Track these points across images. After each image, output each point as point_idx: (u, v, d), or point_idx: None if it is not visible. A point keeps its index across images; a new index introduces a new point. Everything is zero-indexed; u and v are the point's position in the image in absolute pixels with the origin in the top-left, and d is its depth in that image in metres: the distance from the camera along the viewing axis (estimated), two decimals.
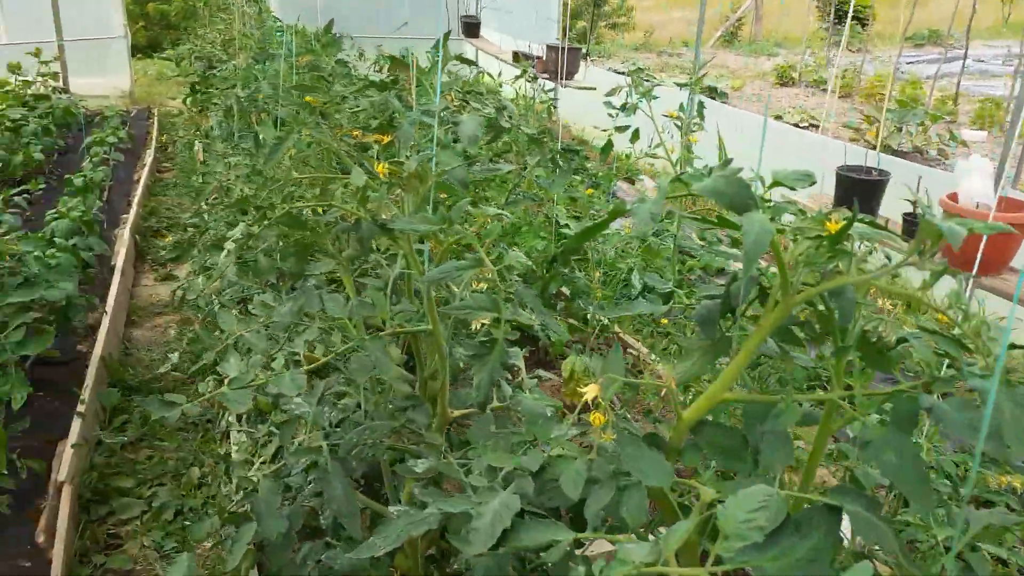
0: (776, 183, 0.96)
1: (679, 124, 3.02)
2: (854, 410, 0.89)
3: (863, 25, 18.49)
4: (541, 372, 1.78)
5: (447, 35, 2.00)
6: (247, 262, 2.15)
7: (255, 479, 1.55)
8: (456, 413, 1.52)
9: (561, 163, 1.91)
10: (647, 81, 3.17)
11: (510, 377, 1.62)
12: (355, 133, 1.89)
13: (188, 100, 9.13)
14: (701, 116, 2.94)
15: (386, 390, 1.56)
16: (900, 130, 8.28)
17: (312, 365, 1.42)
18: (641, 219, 0.94)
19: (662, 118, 3.11)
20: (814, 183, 0.99)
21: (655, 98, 3.05)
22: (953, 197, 3.43)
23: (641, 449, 0.95)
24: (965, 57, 10.82)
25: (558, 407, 1.41)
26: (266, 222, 1.47)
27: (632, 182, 7.75)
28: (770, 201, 0.97)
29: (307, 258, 1.74)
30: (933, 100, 10.38)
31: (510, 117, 2.09)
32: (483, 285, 1.45)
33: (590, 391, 1.03)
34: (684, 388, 2.50)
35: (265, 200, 1.64)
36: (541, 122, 4.39)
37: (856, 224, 1.09)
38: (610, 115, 3.09)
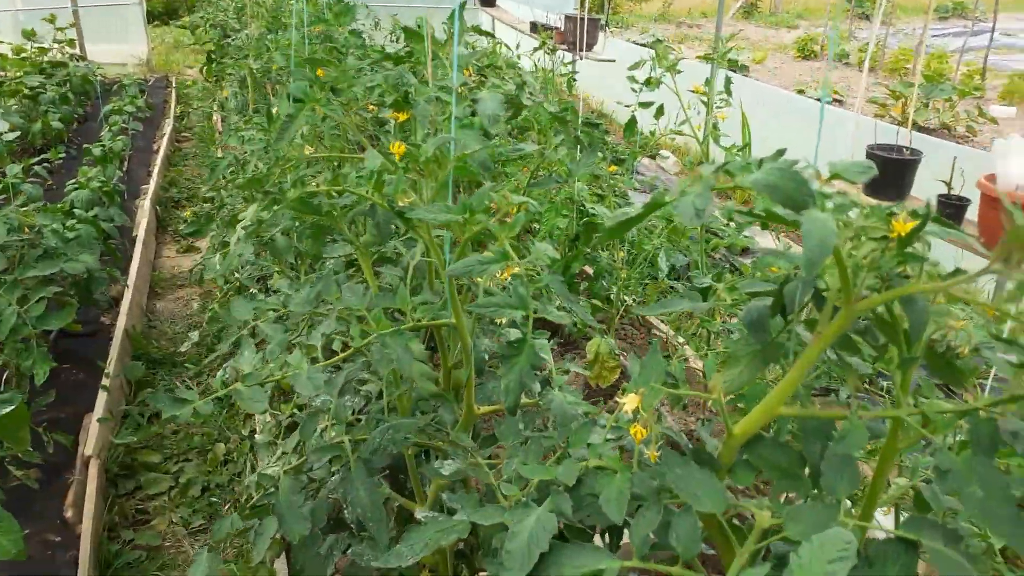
0: (835, 175, 0.87)
1: (705, 100, 2.90)
2: (923, 429, 0.81)
3: None
4: (569, 366, 1.70)
5: (463, 4, 1.90)
6: (265, 241, 2.08)
7: (276, 476, 1.49)
8: (483, 410, 1.45)
9: (585, 141, 1.81)
10: (671, 54, 3.05)
11: (538, 372, 1.54)
12: (371, 108, 1.81)
13: (204, 70, 9.02)
14: (728, 92, 2.82)
15: (408, 381, 1.50)
16: (927, 106, 8.07)
17: (330, 360, 1.35)
18: (686, 215, 0.86)
19: (687, 93, 3.00)
20: (875, 175, 0.90)
21: (679, 72, 2.93)
22: (991, 179, 3.31)
23: (690, 468, 0.87)
24: (993, 30, 10.53)
25: (591, 411, 1.34)
26: (276, 208, 1.39)
27: (654, 157, 7.61)
28: (828, 196, 0.87)
29: (324, 240, 1.67)
30: (960, 75, 10.12)
31: (531, 94, 2.00)
32: (509, 275, 1.37)
33: (629, 402, 0.95)
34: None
35: (275, 182, 1.56)
36: (561, 97, 4.27)
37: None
38: (633, 90, 2.98)
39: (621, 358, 3.76)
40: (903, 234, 0.82)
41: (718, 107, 2.98)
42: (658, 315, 4.09)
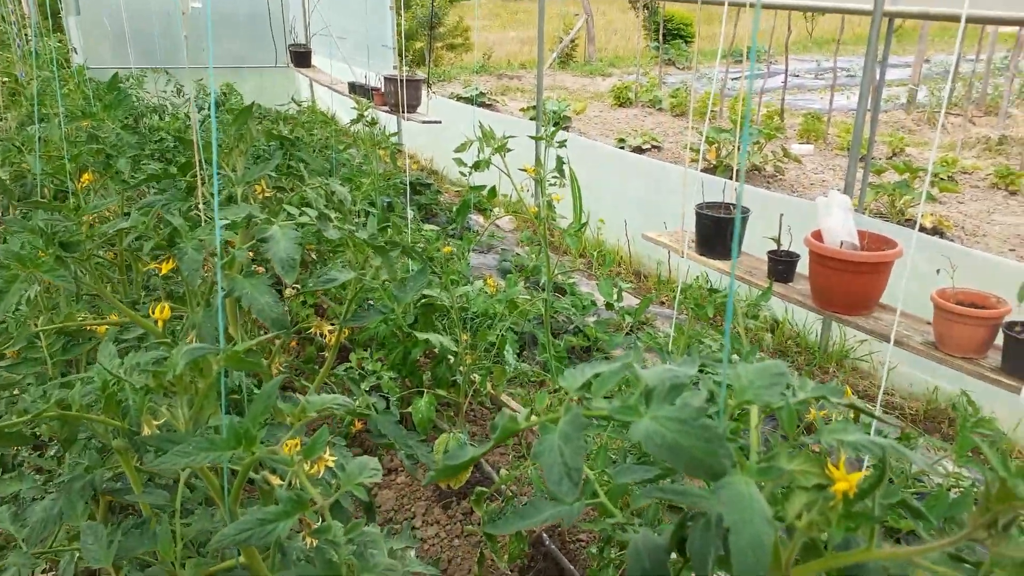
0: (746, 402, 0.63)
1: (537, 179, 2.73)
2: None
3: (686, 42, 19.42)
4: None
5: (246, 109, 1.57)
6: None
7: None
8: None
9: (415, 263, 1.54)
10: (498, 134, 2.86)
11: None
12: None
13: None
14: (561, 172, 2.66)
15: None
16: (737, 149, 8.54)
17: None
18: (553, 480, 0.59)
19: (519, 172, 2.82)
20: (790, 387, 0.68)
21: (510, 151, 2.74)
22: (817, 235, 3.38)
23: None
24: (786, 73, 11.45)
25: None
26: None
27: (484, 214, 7.49)
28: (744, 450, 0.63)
29: (75, 429, 1.27)
30: (762, 116, 10.88)
31: (340, 213, 1.69)
32: (322, 468, 1.05)
33: None
34: None
35: None
36: (386, 171, 4.00)
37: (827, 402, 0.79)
38: (462, 173, 2.75)
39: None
40: (849, 491, 0.59)
41: (551, 184, 2.81)
42: (500, 385, 3.86)
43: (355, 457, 1.31)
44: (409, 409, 3.34)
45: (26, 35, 5.11)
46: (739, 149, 4.39)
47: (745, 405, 0.63)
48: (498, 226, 7.49)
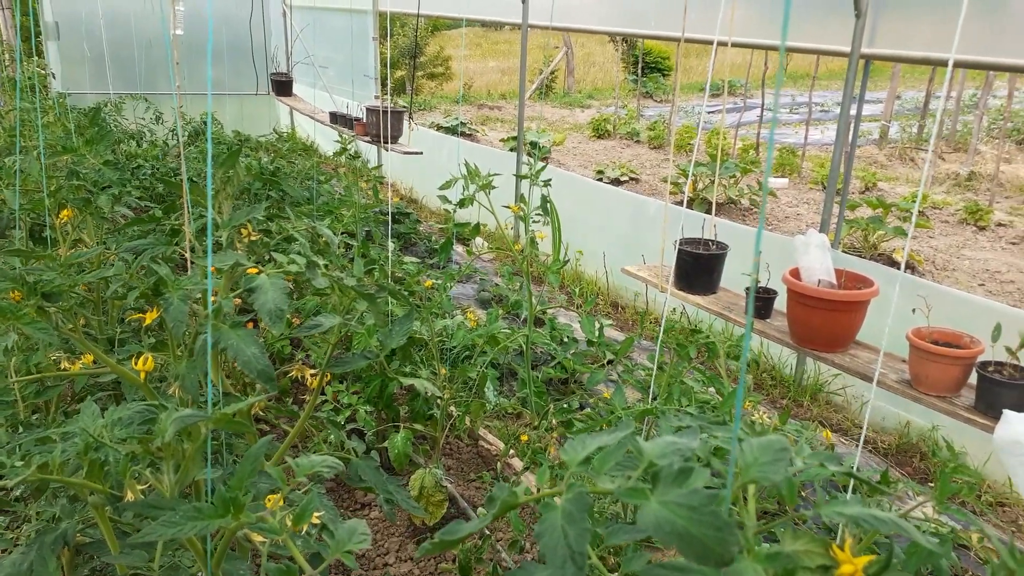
0: (751, 481, 0.63)
1: (521, 217, 2.74)
2: None
3: (664, 75, 19.74)
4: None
5: (237, 150, 1.57)
6: None
7: None
8: None
9: (399, 306, 1.53)
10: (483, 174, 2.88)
11: None
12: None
13: None
14: (545, 211, 2.67)
15: None
16: (713, 182, 8.66)
17: None
18: (556, 563, 0.58)
19: (503, 209, 2.83)
20: (792, 466, 0.68)
21: (494, 188, 2.75)
22: (795, 273, 3.41)
23: None
24: (763, 108, 11.65)
25: None
26: None
27: (466, 243, 7.49)
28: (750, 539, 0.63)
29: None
30: (738, 149, 11.05)
31: (328, 248, 1.68)
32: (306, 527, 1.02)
33: None
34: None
35: None
36: (367, 201, 3.98)
37: (814, 459, 0.79)
38: (446, 210, 2.75)
39: (448, 486, 3.44)
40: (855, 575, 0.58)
41: (535, 221, 2.82)
42: (478, 420, 3.83)
43: (335, 509, 1.29)
44: (385, 444, 3.31)
45: (3, 61, 5.07)
46: (716, 183, 4.47)
47: (749, 484, 0.63)
48: (475, 252, 7.49)
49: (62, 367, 1.62)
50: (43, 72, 7.08)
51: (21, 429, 1.52)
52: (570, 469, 0.63)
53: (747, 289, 3.70)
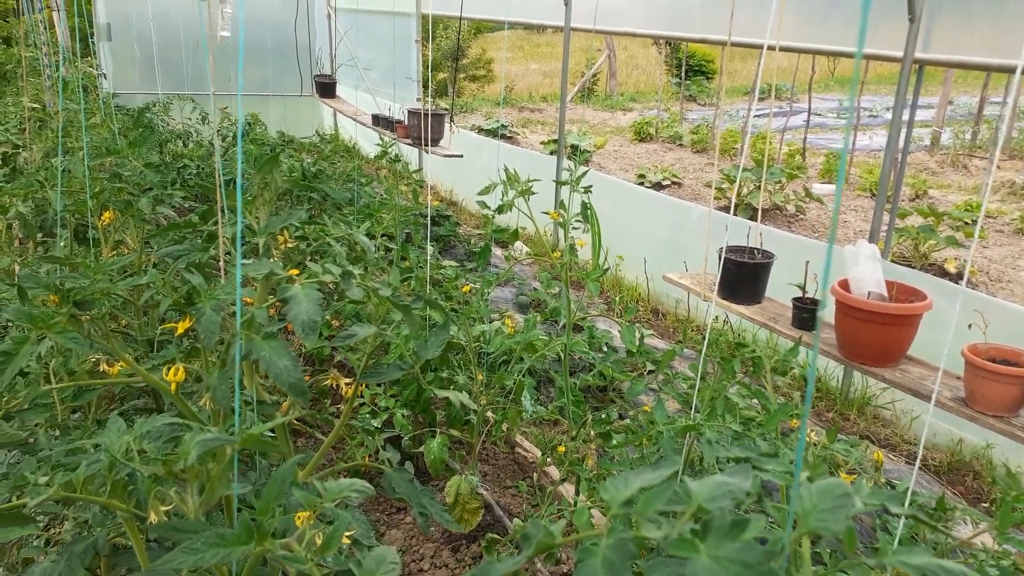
0: (808, 531, 0.58)
1: (561, 224, 2.69)
2: None
3: (708, 79, 19.49)
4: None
5: (278, 155, 1.55)
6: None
7: None
8: None
9: (437, 315, 1.49)
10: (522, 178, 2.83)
11: None
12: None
13: None
14: (585, 218, 2.62)
15: None
16: (759, 188, 8.50)
17: None
18: None
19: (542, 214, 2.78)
20: (854, 507, 0.63)
21: (534, 194, 2.70)
22: (843, 284, 3.31)
23: None
24: (809, 112, 11.41)
25: None
26: None
27: (505, 246, 7.47)
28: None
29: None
30: (783, 155, 10.83)
31: (364, 255, 1.65)
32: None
33: None
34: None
35: None
36: (408, 203, 3.97)
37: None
38: (485, 216, 2.72)
39: (484, 493, 3.41)
40: None
41: (574, 228, 2.77)
42: (515, 427, 3.79)
43: (367, 524, 1.25)
44: (421, 448, 3.28)
45: (56, 62, 5.18)
46: (762, 189, 4.34)
47: (807, 534, 0.58)
48: (514, 256, 7.46)
49: (100, 369, 1.62)
50: (93, 72, 7.24)
51: (58, 433, 1.52)
52: (611, 511, 0.59)
53: (795, 302, 3.60)
